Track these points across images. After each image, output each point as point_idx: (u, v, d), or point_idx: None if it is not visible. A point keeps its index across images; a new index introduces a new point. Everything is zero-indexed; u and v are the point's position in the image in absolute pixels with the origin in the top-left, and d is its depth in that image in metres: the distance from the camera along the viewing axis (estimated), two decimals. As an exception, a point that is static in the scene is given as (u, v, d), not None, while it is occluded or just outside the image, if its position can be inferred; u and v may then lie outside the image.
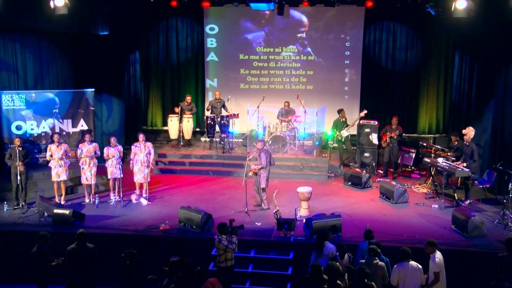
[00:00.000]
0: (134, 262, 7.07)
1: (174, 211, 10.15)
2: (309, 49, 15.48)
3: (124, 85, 15.34)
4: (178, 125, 14.28)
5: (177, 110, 14.19)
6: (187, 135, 14.49)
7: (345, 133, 13.23)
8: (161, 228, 9.57)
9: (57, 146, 10.81)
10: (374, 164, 13.21)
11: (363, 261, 7.15)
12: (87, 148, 10.92)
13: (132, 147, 11.20)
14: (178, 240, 8.84)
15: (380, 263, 6.99)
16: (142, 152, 11.05)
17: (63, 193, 11.09)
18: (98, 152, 11.07)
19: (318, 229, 8.59)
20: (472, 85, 13.67)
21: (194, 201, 11.05)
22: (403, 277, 6.85)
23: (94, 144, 11.10)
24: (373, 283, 6.44)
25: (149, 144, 11.22)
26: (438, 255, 7.18)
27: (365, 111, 13.32)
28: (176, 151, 14.16)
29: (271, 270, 8.70)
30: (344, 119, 13.39)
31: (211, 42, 15.79)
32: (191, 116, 14.37)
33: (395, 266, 6.97)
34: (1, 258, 9.38)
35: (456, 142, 11.64)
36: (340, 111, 13.51)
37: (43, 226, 9.70)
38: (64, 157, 10.85)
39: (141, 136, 11.14)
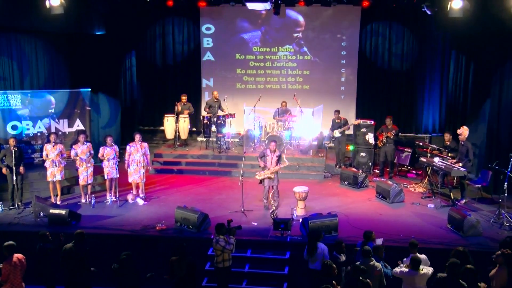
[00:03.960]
0: (130, 265, 7.03)
1: (170, 211, 10.12)
2: (305, 48, 15.48)
3: (120, 85, 15.30)
4: (174, 125, 14.26)
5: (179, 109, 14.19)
6: (183, 135, 14.48)
7: (337, 133, 13.19)
8: (157, 228, 9.55)
9: (53, 146, 10.78)
10: (370, 163, 13.23)
11: (358, 263, 7.16)
12: (81, 149, 10.89)
13: (127, 147, 11.16)
14: (176, 241, 8.84)
15: (377, 264, 7.01)
16: (139, 152, 11.03)
17: (59, 193, 11.05)
18: (92, 152, 11.04)
19: (315, 229, 8.59)
20: (468, 85, 13.71)
21: (190, 201, 11.04)
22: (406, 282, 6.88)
23: (88, 144, 11.07)
24: (368, 280, 6.45)
25: (145, 144, 11.21)
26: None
27: (359, 121, 13.38)
28: (172, 151, 14.14)
29: (267, 270, 8.70)
30: (338, 121, 13.30)
31: (207, 42, 15.79)
32: (187, 116, 14.35)
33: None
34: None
35: (448, 143, 11.66)
36: (336, 112, 13.45)
37: (39, 226, 9.66)
38: (59, 157, 10.82)
39: (137, 136, 11.12)
